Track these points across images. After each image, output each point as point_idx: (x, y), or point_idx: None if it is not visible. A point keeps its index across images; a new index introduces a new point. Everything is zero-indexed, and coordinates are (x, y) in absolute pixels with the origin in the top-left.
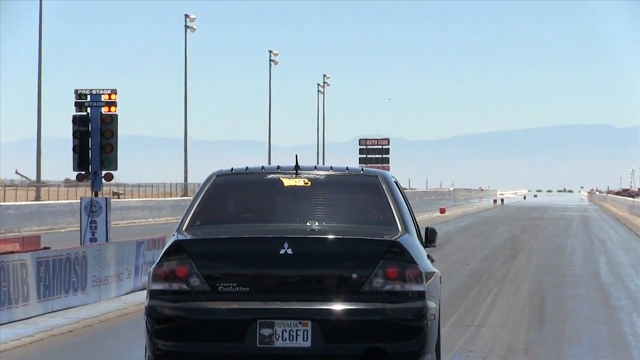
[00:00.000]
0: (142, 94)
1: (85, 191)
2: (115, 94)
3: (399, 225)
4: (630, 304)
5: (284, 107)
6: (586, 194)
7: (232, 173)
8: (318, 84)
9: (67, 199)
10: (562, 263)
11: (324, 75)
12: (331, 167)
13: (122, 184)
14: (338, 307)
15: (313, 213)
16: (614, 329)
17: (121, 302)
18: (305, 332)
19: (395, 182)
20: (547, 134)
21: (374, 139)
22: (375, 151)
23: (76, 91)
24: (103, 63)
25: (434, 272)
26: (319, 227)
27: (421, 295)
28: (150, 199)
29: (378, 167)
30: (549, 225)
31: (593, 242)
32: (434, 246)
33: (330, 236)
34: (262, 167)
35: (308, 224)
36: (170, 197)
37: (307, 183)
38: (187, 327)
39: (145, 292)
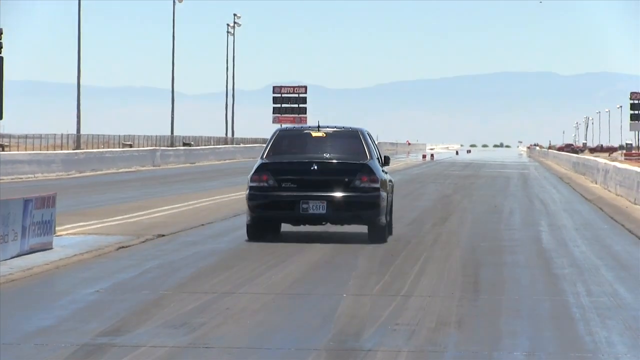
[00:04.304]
0: (33, 35)
1: None
2: (1, 33)
3: (368, 156)
4: (574, 272)
5: (189, 51)
6: (525, 149)
7: (287, 130)
8: (228, 25)
9: None
10: (499, 226)
11: (235, 15)
12: (335, 126)
13: (7, 134)
14: (338, 194)
15: (326, 149)
16: (556, 300)
17: (6, 267)
18: (322, 206)
19: (368, 134)
20: (483, 83)
21: (290, 87)
22: (290, 100)
23: None
24: None
25: (386, 179)
26: (329, 156)
27: (377, 190)
28: (39, 152)
29: (294, 118)
30: (484, 184)
31: (533, 203)
32: (388, 165)
33: (335, 160)
34: (301, 126)
35: (325, 155)
36: (62, 149)
37: (324, 135)
38: (267, 204)
39: (35, 255)
